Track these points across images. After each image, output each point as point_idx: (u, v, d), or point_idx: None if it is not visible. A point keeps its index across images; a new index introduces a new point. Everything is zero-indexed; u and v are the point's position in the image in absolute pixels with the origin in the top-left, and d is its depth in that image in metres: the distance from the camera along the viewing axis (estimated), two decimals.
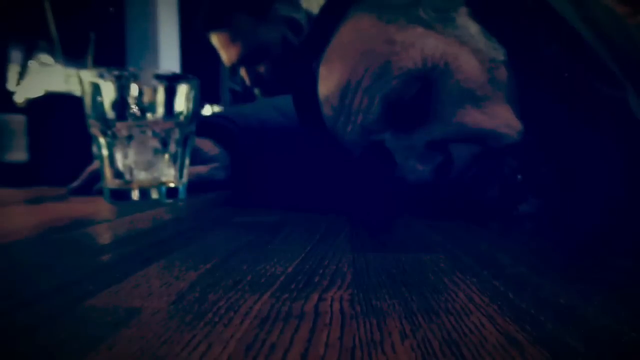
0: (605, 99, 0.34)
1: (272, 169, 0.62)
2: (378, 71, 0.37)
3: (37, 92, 1.64)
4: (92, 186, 0.53)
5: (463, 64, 0.37)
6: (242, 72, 1.05)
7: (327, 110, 0.42)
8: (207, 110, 2.62)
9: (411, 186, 0.39)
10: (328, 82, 0.41)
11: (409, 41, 0.37)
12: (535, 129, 0.36)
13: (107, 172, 0.45)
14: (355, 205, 0.45)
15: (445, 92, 0.37)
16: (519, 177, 0.36)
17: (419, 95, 0.37)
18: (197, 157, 0.59)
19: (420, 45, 0.37)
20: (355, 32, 0.40)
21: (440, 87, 0.37)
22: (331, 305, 0.15)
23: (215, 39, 1.04)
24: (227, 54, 1.03)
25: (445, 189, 0.38)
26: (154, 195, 0.45)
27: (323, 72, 0.42)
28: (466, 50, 0.37)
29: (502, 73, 0.36)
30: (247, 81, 1.06)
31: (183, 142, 0.47)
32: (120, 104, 0.44)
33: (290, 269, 0.19)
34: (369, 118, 0.39)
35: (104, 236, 0.28)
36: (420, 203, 0.41)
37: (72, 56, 2.10)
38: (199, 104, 0.50)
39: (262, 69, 1.03)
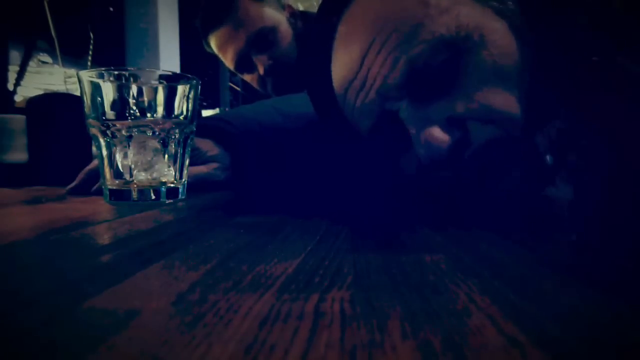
0: (637, 78, 0.32)
1: (271, 170, 0.62)
2: (408, 32, 0.34)
3: (36, 92, 1.64)
4: (89, 186, 0.53)
5: (499, 39, 0.34)
6: (255, 60, 1.00)
7: (342, 75, 0.39)
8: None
9: (422, 165, 0.37)
10: (349, 44, 0.38)
11: (444, 5, 0.35)
12: (565, 113, 0.34)
13: (107, 172, 0.45)
14: (361, 192, 0.45)
15: (475, 65, 0.34)
16: (549, 157, 0.34)
17: (445, 65, 0.34)
18: (197, 157, 0.59)
19: (456, 11, 0.34)
20: None
21: (471, 59, 0.34)
22: (332, 306, 0.15)
23: (216, 38, 1.01)
24: (233, 45, 0.99)
25: (460, 169, 0.36)
26: (154, 195, 0.45)
27: (343, 31, 0.39)
28: (503, 25, 0.34)
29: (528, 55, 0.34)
30: (261, 70, 1.01)
31: (183, 142, 0.47)
32: (120, 104, 0.43)
33: (290, 270, 0.19)
34: (387, 84, 0.36)
35: (104, 236, 0.28)
36: (431, 185, 0.39)
37: (72, 56, 2.10)
38: (198, 104, 0.49)
39: (273, 54, 0.99)
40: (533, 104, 0.34)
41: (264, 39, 0.98)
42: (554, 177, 0.34)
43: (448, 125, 0.35)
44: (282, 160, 0.62)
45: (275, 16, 0.99)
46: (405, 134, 0.37)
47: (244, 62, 1.02)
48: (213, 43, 1.03)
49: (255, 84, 1.08)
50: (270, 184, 0.61)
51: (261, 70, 1.00)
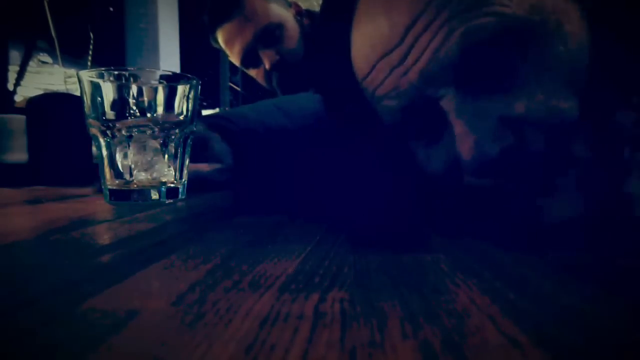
0: None
1: (272, 172, 0.62)
2: (469, 1, 0.28)
3: (36, 92, 1.64)
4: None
5: (577, 32, 0.28)
6: (262, 54, 1.00)
7: (371, 48, 0.32)
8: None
9: (454, 166, 0.31)
10: (388, 8, 0.31)
11: None
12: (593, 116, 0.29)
13: (107, 172, 0.45)
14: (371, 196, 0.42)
15: (546, 59, 0.28)
16: (626, 150, 0.28)
17: (509, 51, 0.29)
18: (207, 153, 0.58)
19: None
20: None
21: (542, 51, 0.28)
22: (332, 306, 0.15)
23: (223, 33, 1.02)
24: (240, 40, 1.00)
25: (509, 179, 0.30)
26: (154, 195, 0.45)
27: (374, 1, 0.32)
28: (576, 12, 0.29)
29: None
30: (267, 64, 1.00)
31: (183, 142, 0.47)
32: (120, 104, 0.43)
33: (290, 270, 0.19)
34: (436, 60, 0.29)
35: (104, 236, 0.28)
36: (464, 192, 0.32)
37: (72, 56, 2.10)
38: (198, 104, 0.49)
39: (280, 49, 0.99)
40: (590, 107, 0.29)
41: (270, 34, 0.98)
42: (629, 172, 0.29)
43: (500, 126, 0.29)
44: (284, 162, 0.61)
45: (282, 13, 1.00)
46: (439, 125, 0.32)
47: (250, 57, 1.03)
48: (220, 37, 1.04)
49: (260, 79, 1.08)
50: (271, 186, 0.61)
51: (267, 65, 1.00)
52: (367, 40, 0.33)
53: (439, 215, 0.35)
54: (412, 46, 0.30)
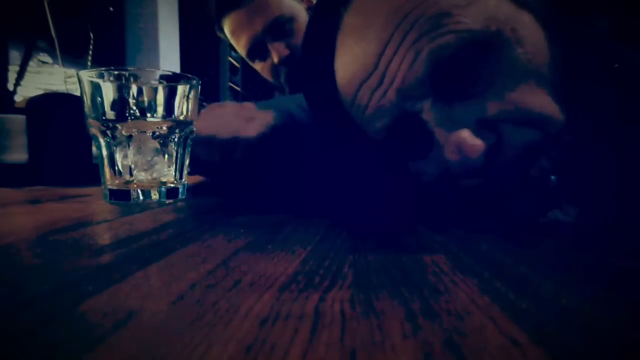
0: None
1: (289, 169, 0.60)
2: (432, 21, 0.31)
3: (36, 92, 1.64)
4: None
5: (530, 35, 0.31)
6: (270, 47, 0.96)
7: (352, 74, 0.35)
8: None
9: (445, 172, 0.33)
10: (360, 38, 0.34)
11: None
12: (578, 120, 0.31)
13: (107, 172, 0.45)
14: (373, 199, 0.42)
15: (507, 63, 0.31)
16: (553, 178, 0.31)
17: (475, 61, 0.31)
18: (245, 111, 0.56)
19: (484, 3, 0.31)
20: None
21: (503, 56, 0.31)
22: (332, 306, 0.15)
23: (230, 22, 0.97)
24: (248, 31, 0.95)
25: (494, 177, 0.32)
26: (154, 195, 0.45)
27: (351, 23, 0.36)
28: (531, 19, 0.32)
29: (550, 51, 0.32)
30: (275, 58, 0.96)
31: (183, 142, 0.47)
32: (120, 104, 0.43)
33: (290, 270, 0.19)
34: (409, 79, 0.32)
35: (104, 236, 0.28)
36: (454, 194, 0.35)
37: (72, 56, 2.10)
38: (199, 104, 0.49)
39: (290, 43, 0.94)
40: (570, 105, 0.32)
41: (281, 27, 0.93)
42: (559, 199, 0.32)
43: (479, 128, 0.32)
44: (301, 158, 0.59)
45: (294, 5, 0.96)
46: (425, 137, 0.34)
47: (257, 49, 0.98)
48: (227, 26, 1.00)
49: (266, 73, 1.03)
50: (285, 183, 0.60)
51: (276, 59, 0.96)
52: (347, 68, 0.36)
53: (437, 213, 0.37)
54: (386, 69, 0.33)
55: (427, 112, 0.33)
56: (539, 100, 0.31)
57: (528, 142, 0.31)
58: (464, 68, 0.31)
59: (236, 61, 3.58)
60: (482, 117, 0.32)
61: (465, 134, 0.31)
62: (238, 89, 3.70)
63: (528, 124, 0.31)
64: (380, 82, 0.33)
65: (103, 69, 0.44)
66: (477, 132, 0.31)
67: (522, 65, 0.31)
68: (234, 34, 0.99)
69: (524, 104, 0.31)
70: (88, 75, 0.43)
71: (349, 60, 0.36)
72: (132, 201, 0.44)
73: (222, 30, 1.02)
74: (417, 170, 0.38)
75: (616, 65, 0.31)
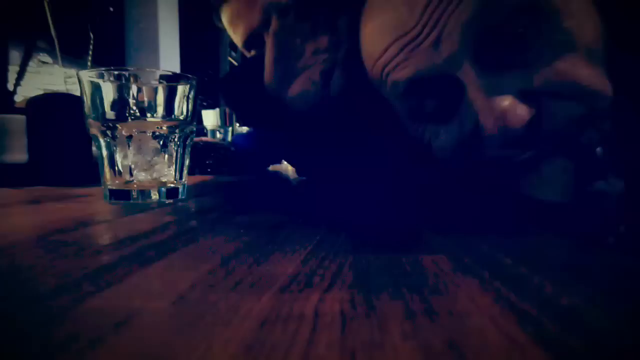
0: None
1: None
2: None
3: (36, 92, 1.64)
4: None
5: (582, 6, 0.30)
6: (267, 38, 0.97)
7: (380, 39, 0.34)
8: (211, 118, 2.59)
9: (488, 143, 0.31)
10: None
11: None
12: (626, 95, 0.30)
13: (107, 172, 0.45)
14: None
15: (557, 33, 0.30)
16: (599, 150, 0.30)
17: (524, 28, 0.30)
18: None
19: None
20: None
21: (552, 26, 0.30)
22: (332, 306, 0.15)
23: (229, 11, 0.96)
24: (246, 20, 0.94)
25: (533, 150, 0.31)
26: (154, 195, 0.45)
27: None
28: None
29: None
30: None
31: (183, 142, 0.47)
32: (120, 104, 0.43)
33: (290, 270, 0.19)
34: (452, 35, 0.30)
35: (104, 236, 0.28)
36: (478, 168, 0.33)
37: (72, 56, 2.10)
38: (199, 104, 0.49)
39: None
40: (618, 80, 0.30)
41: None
42: (604, 171, 0.31)
43: (521, 99, 0.30)
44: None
45: None
46: (451, 100, 0.32)
47: (255, 41, 0.98)
48: (225, 16, 0.99)
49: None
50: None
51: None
52: (380, 26, 0.35)
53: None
54: (427, 22, 0.31)
55: (467, 74, 0.31)
56: (587, 74, 0.30)
57: (570, 116, 0.30)
58: (512, 34, 0.30)
59: (236, 61, 3.58)
60: (526, 88, 0.30)
61: (510, 101, 0.30)
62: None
63: (573, 97, 0.30)
64: (418, 35, 0.32)
65: (103, 69, 0.44)
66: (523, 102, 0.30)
67: (572, 37, 0.30)
68: (232, 24, 0.97)
69: (572, 76, 0.30)
70: (88, 75, 0.43)
71: (384, 18, 0.34)
72: (132, 201, 0.44)
73: (220, 20, 1.00)
74: (432, 135, 0.36)
75: None
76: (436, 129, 0.36)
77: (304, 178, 0.68)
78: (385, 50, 0.34)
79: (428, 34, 0.31)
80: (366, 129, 0.45)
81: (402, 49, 0.33)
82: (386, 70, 0.35)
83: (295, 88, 0.51)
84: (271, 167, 1.12)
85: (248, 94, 0.44)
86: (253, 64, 0.47)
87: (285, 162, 1.15)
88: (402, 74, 0.34)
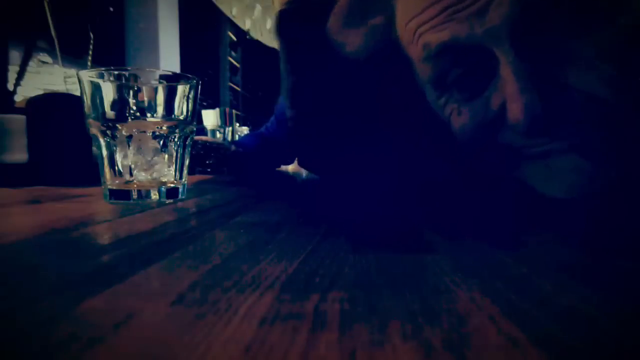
0: None
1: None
2: None
3: (36, 92, 1.64)
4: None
5: None
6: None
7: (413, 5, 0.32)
8: (210, 118, 2.58)
9: (511, 127, 0.30)
10: None
11: None
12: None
13: (107, 172, 0.45)
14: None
15: (611, 31, 0.28)
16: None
17: (568, 21, 0.28)
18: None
19: None
20: None
21: (605, 22, 0.28)
22: (332, 306, 0.15)
23: None
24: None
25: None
26: (154, 195, 0.45)
27: None
28: None
29: None
30: None
31: (183, 142, 0.47)
32: (120, 104, 0.43)
33: (290, 270, 0.19)
34: (496, 10, 0.29)
35: (104, 236, 0.28)
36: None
37: (72, 56, 2.10)
38: (198, 103, 0.49)
39: None
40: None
41: None
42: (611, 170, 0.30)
43: (556, 90, 0.29)
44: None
45: None
46: (480, 78, 0.31)
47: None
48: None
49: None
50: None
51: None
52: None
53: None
54: None
55: (506, 52, 0.30)
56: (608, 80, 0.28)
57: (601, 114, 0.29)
58: (558, 26, 0.28)
59: (236, 61, 3.58)
60: (564, 83, 0.29)
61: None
62: (238, 89, 3.70)
63: (596, 99, 0.29)
64: (460, 1, 0.30)
65: (103, 69, 0.44)
66: (552, 95, 0.29)
67: (630, 39, 0.28)
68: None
69: (623, 90, 0.28)
70: (88, 75, 0.43)
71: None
72: (132, 201, 0.44)
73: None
74: (451, 112, 0.35)
75: None
76: (459, 105, 0.35)
77: (309, 175, 0.68)
78: (425, 9, 0.32)
79: (472, 3, 0.30)
80: (389, 104, 0.43)
81: (442, 11, 0.31)
82: (420, 30, 0.33)
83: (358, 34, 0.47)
84: (279, 169, 1.14)
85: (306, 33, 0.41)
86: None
87: (289, 166, 1.16)
88: (436, 37, 0.32)
